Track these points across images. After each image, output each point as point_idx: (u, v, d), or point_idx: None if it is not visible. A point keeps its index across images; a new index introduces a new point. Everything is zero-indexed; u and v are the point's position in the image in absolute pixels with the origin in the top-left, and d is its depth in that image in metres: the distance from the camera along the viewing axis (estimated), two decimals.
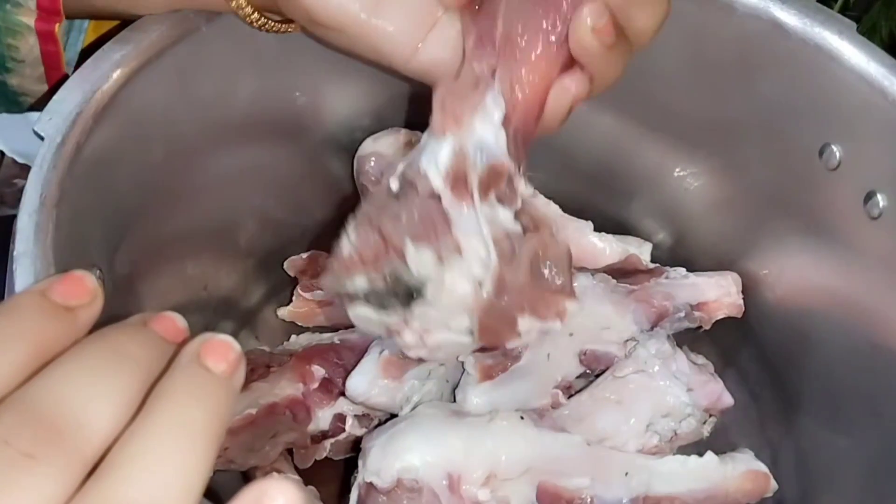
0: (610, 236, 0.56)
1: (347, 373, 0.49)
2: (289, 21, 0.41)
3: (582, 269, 0.51)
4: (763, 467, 0.50)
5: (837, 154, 0.46)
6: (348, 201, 0.58)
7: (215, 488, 0.47)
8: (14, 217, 0.34)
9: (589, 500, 0.45)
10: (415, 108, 0.55)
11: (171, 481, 0.22)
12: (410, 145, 0.53)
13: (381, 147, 0.53)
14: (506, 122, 0.36)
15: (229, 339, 0.25)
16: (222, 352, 0.25)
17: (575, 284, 0.49)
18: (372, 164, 0.53)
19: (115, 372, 0.24)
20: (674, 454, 0.50)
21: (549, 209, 0.55)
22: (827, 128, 0.46)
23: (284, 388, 0.49)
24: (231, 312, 0.49)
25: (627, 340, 0.50)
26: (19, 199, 0.34)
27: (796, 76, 0.46)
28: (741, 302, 0.54)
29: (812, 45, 0.45)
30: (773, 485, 0.50)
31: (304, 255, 0.54)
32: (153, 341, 0.25)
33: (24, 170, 0.58)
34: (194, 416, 0.23)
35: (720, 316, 0.54)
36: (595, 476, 0.46)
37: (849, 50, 0.44)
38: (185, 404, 0.23)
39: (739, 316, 0.54)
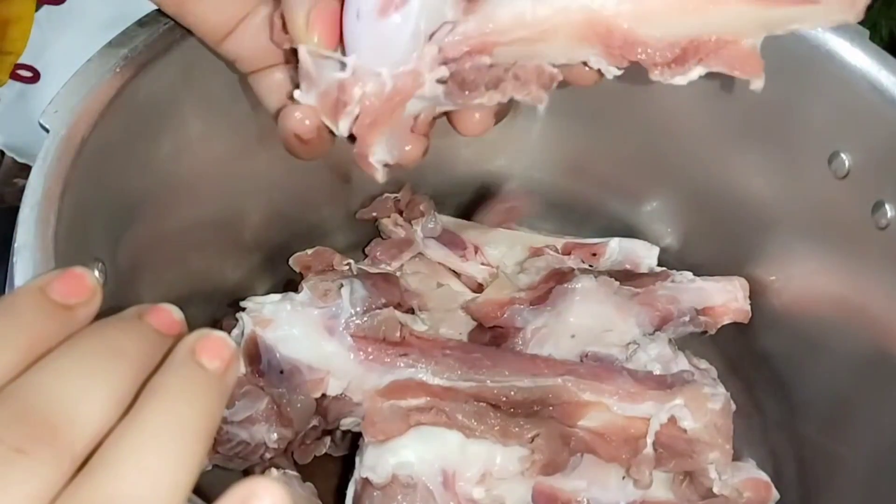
0: None
1: None
2: None
3: (585, 272, 0.51)
4: (764, 476, 0.50)
5: (847, 162, 0.45)
6: (355, 197, 0.58)
7: (216, 487, 0.48)
8: (16, 209, 0.34)
9: (585, 502, 0.45)
10: None
11: (160, 478, 0.22)
12: None
13: None
14: None
15: (225, 337, 0.25)
16: (217, 349, 0.25)
17: (578, 286, 0.50)
18: None
19: (108, 368, 0.24)
20: None
21: None
22: (837, 136, 0.46)
23: None
24: (237, 306, 0.49)
25: (629, 343, 0.50)
26: (19, 199, 0.34)
27: (807, 83, 0.46)
28: (748, 307, 0.53)
29: (823, 52, 0.44)
30: (775, 494, 0.49)
31: (310, 251, 0.54)
32: (147, 336, 0.25)
33: (25, 169, 0.58)
34: (185, 413, 0.23)
35: (726, 321, 0.53)
36: (592, 478, 0.46)
37: (860, 58, 0.44)
38: (176, 402, 0.23)
39: (746, 322, 0.53)
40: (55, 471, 0.22)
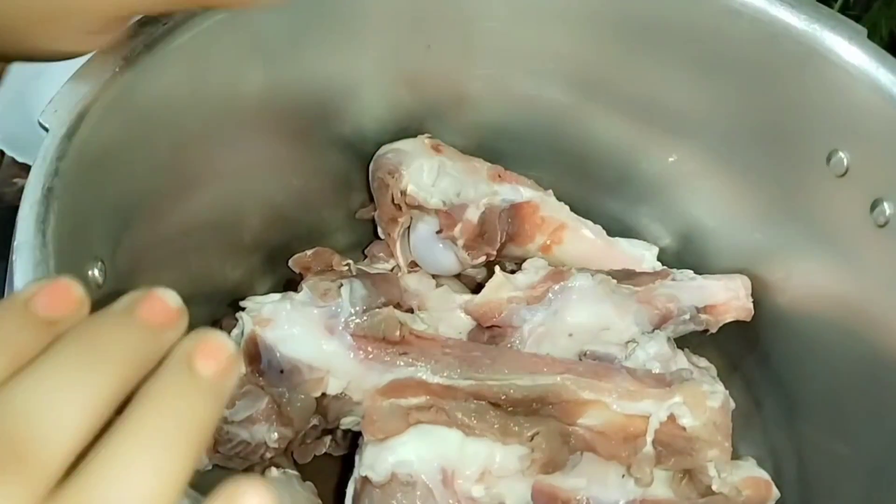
0: (620, 240, 0.57)
1: None
2: None
3: (582, 270, 0.51)
4: (765, 475, 0.49)
5: (845, 161, 0.45)
6: (355, 199, 0.58)
7: (216, 486, 0.48)
8: (16, 209, 0.34)
9: (585, 500, 0.45)
10: (426, 114, 0.56)
11: (146, 489, 0.21)
12: (437, 149, 0.54)
13: (400, 145, 0.54)
14: None
15: (224, 339, 0.24)
16: (215, 353, 0.24)
17: (574, 284, 0.50)
18: (390, 156, 0.54)
19: (89, 375, 0.22)
20: None
21: (561, 212, 0.55)
22: (835, 134, 0.46)
23: None
24: (237, 306, 0.49)
25: (628, 342, 0.50)
26: (19, 199, 0.34)
27: (805, 82, 0.46)
28: (751, 305, 0.53)
29: (821, 51, 0.45)
30: (775, 492, 0.49)
31: (310, 252, 0.54)
32: (138, 335, 0.24)
33: (24, 169, 0.58)
34: (177, 421, 0.22)
35: (728, 319, 0.53)
36: (591, 477, 0.46)
37: (858, 56, 0.44)
38: (168, 409, 0.22)
39: (748, 319, 0.53)
40: (29, 494, 0.21)
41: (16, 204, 0.34)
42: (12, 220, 0.34)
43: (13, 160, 0.61)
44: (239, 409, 0.46)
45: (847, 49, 0.44)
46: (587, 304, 0.49)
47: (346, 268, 0.53)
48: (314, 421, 0.48)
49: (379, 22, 0.50)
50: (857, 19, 0.53)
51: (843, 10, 0.58)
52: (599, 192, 0.58)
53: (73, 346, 0.23)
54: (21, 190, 0.35)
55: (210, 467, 0.48)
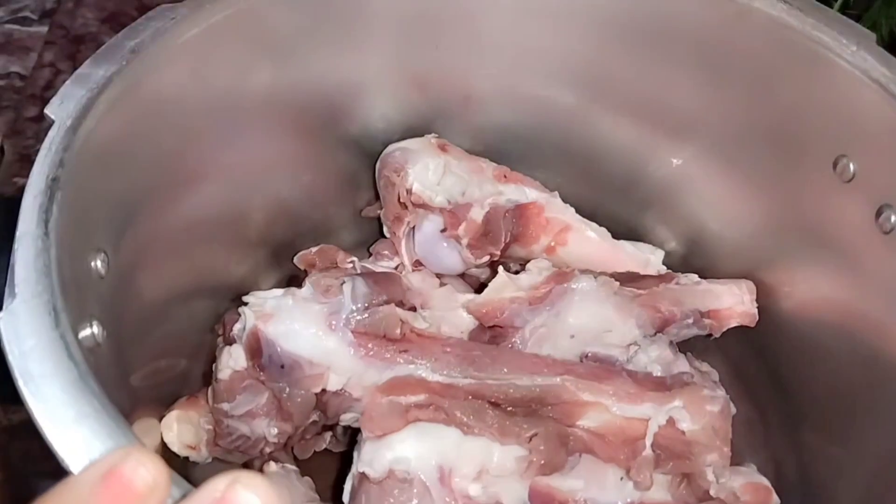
0: (626, 242, 0.57)
1: None
2: None
3: (585, 272, 0.51)
4: (765, 481, 0.49)
5: (851, 167, 0.45)
6: (361, 197, 0.58)
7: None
8: (16, 199, 0.34)
9: (582, 502, 0.45)
10: (433, 114, 0.56)
11: None
12: (443, 149, 0.54)
13: (407, 144, 0.55)
14: None
15: None
16: None
17: (577, 286, 0.50)
18: (396, 154, 0.54)
19: None
20: None
21: (566, 213, 0.56)
22: (842, 140, 0.45)
23: None
24: (241, 301, 0.50)
25: (630, 344, 0.50)
26: (19, 198, 0.34)
27: (812, 86, 0.46)
28: (755, 310, 0.53)
29: (829, 56, 0.44)
30: (775, 499, 0.49)
31: (314, 249, 0.54)
32: None
33: (25, 168, 0.59)
34: None
35: (732, 324, 0.53)
36: (590, 479, 0.46)
37: (867, 61, 0.44)
38: None
39: (752, 325, 0.53)
40: None
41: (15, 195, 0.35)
42: (12, 212, 0.34)
43: (13, 159, 0.61)
44: (239, 404, 0.47)
45: (855, 55, 0.44)
46: (589, 305, 0.49)
47: (351, 265, 0.53)
48: (314, 417, 0.48)
49: (388, 21, 0.50)
50: (857, 18, 0.53)
51: (843, 10, 0.57)
52: (606, 195, 0.58)
53: None
54: (21, 189, 0.35)
55: (209, 460, 0.48)
